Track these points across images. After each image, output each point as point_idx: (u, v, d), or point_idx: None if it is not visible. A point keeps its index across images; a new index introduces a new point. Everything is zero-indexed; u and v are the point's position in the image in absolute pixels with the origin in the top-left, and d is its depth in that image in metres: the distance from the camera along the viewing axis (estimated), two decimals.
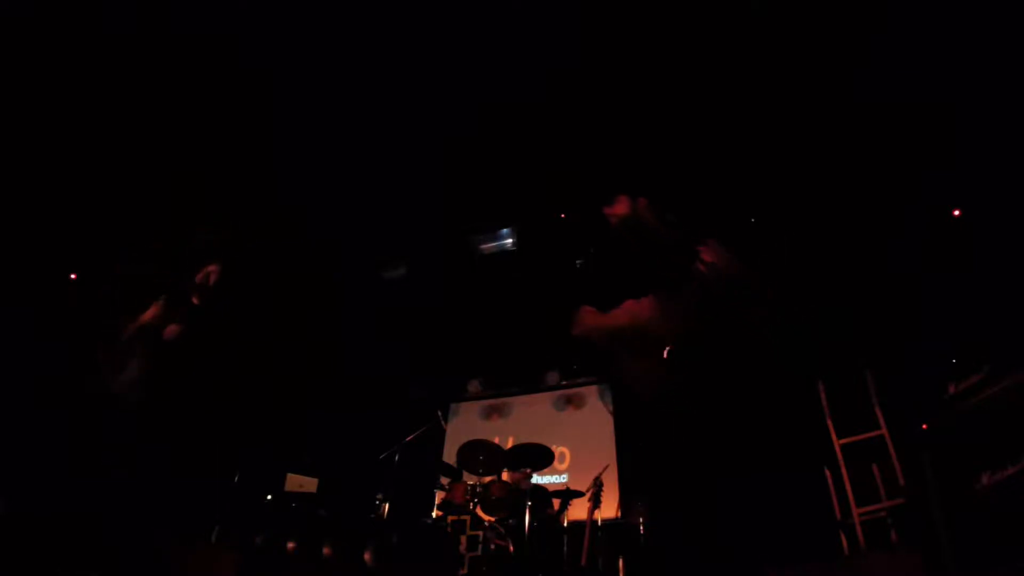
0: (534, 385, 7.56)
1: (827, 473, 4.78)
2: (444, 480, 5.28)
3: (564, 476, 6.66)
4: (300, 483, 5.26)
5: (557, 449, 6.62)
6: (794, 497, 4.73)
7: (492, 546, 4.30)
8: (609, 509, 5.71)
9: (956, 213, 4.85)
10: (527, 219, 6.19)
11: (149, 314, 3.43)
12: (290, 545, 4.06)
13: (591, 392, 7.22)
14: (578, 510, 4.70)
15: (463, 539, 4.63)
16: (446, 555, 4.40)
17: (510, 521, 4.39)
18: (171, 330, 3.39)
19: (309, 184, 5.58)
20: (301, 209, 5.80)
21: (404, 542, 4.25)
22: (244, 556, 3.22)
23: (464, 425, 7.41)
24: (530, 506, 4.29)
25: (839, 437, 4.78)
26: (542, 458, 4.84)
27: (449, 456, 6.38)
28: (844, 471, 4.66)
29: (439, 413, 6.14)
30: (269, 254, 5.90)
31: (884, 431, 4.68)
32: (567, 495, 4.72)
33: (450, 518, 4.79)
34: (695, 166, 5.13)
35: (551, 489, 4.80)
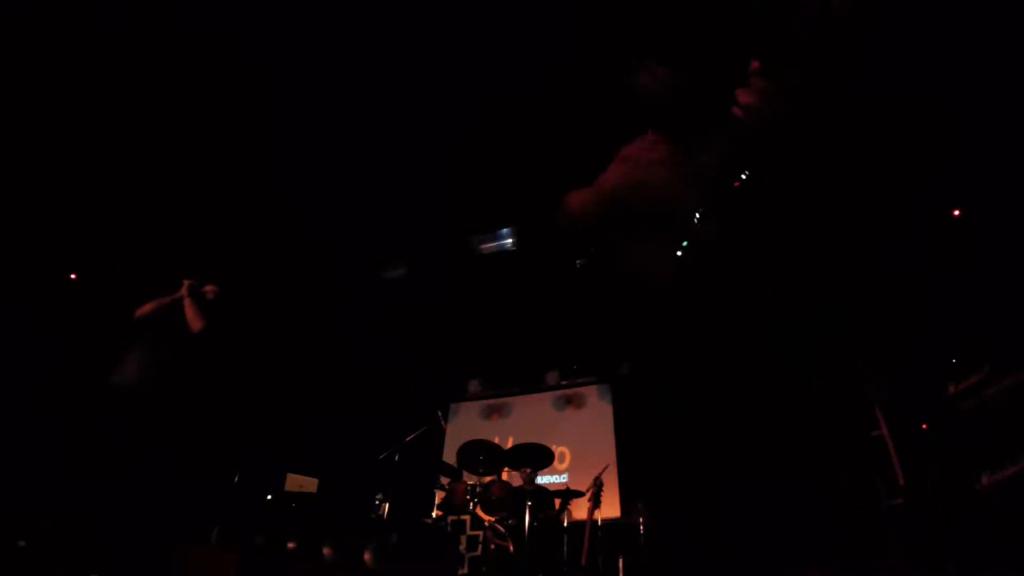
0: (534, 385, 7.56)
1: (827, 473, 4.78)
2: (444, 480, 5.28)
3: (564, 476, 6.66)
4: (300, 483, 5.26)
5: (557, 449, 6.62)
6: (794, 497, 4.73)
7: (492, 546, 4.30)
8: (609, 509, 5.71)
9: (956, 213, 4.85)
10: (527, 219, 6.19)
11: (148, 309, 3.42)
12: (290, 545, 4.06)
13: (591, 392, 7.22)
14: (578, 510, 4.70)
15: (463, 539, 4.63)
16: (446, 555, 4.41)
17: (510, 521, 4.38)
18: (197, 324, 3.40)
19: (309, 184, 5.58)
20: (301, 209, 5.80)
21: (404, 542, 4.25)
22: (244, 556, 3.22)
23: (464, 425, 7.41)
24: (530, 506, 4.29)
25: (839, 437, 4.78)
26: (542, 458, 4.84)
27: (449, 456, 6.38)
28: (844, 471, 4.67)
29: (439, 413, 6.14)
30: (269, 254, 5.90)
31: (884, 431, 4.68)
32: (567, 495, 4.72)
33: (450, 518, 4.78)
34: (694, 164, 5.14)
35: (551, 489, 4.80)
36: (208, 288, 3.64)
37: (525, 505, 4.29)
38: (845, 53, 4.16)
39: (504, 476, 5.11)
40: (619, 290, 5.83)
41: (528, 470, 4.71)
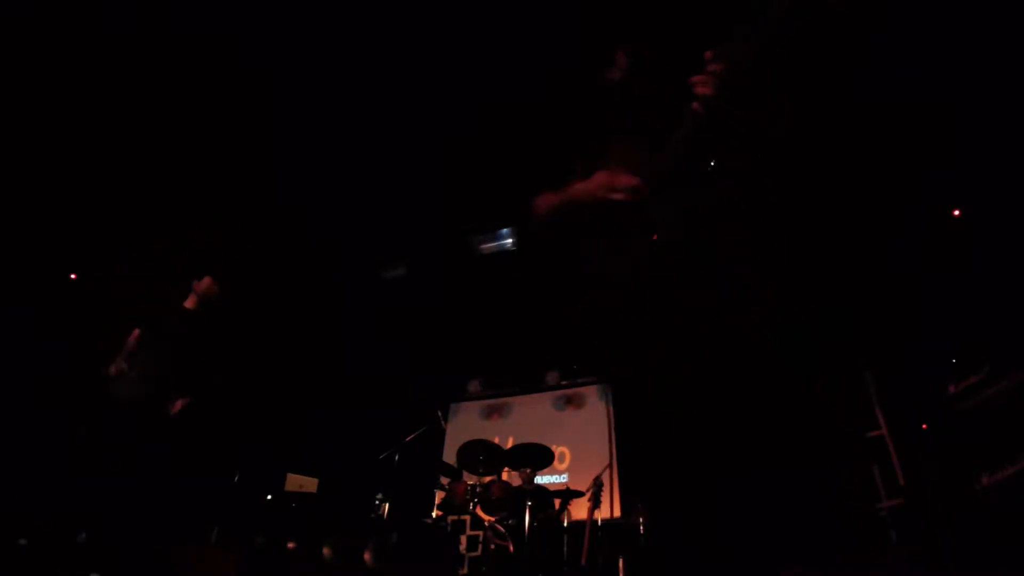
0: (534, 385, 7.56)
1: (827, 473, 4.78)
2: (444, 480, 5.28)
3: (564, 476, 6.66)
4: (300, 483, 5.27)
5: (557, 449, 6.62)
6: (794, 497, 4.73)
7: (492, 546, 4.30)
8: (609, 509, 5.71)
9: (956, 213, 4.85)
10: (527, 219, 6.18)
11: (114, 370, 3.43)
12: (290, 545, 4.06)
13: (591, 392, 7.22)
14: (578, 510, 4.70)
15: (463, 539, 4.63)
16: (446, 555, 4.41)
17: (510, 521, 4.38)
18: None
19: (309, 184, 5.58)
20: (301, 209, 5.80)
21: (404, 542, 4.25)
22: (244, 556, 3.22)
23: (464, 425, 7.41)
24: (530, 506, 4.29)
25: (839, 437, 4.78)
26: (542, 458, 4.84)
27: (449, 456, 6.38)
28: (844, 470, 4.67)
29: (439, 413, 6.14)
30: (269, 254, 5.90)
31: (884, 431, 4.68)
32: (567, 495, 4.72)
33: (450, 518, 4.78)
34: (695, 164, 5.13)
35: (551, 489, 4.80)
36: (205, 284, 3.64)
37: (525, 505, 4.29)
38: (844, 53, 4.16)
39: (504, 476, 5.11)
40: (619, 290, 5.81)
41: (528, 470, 4.71)
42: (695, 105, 1.82)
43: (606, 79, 2.29)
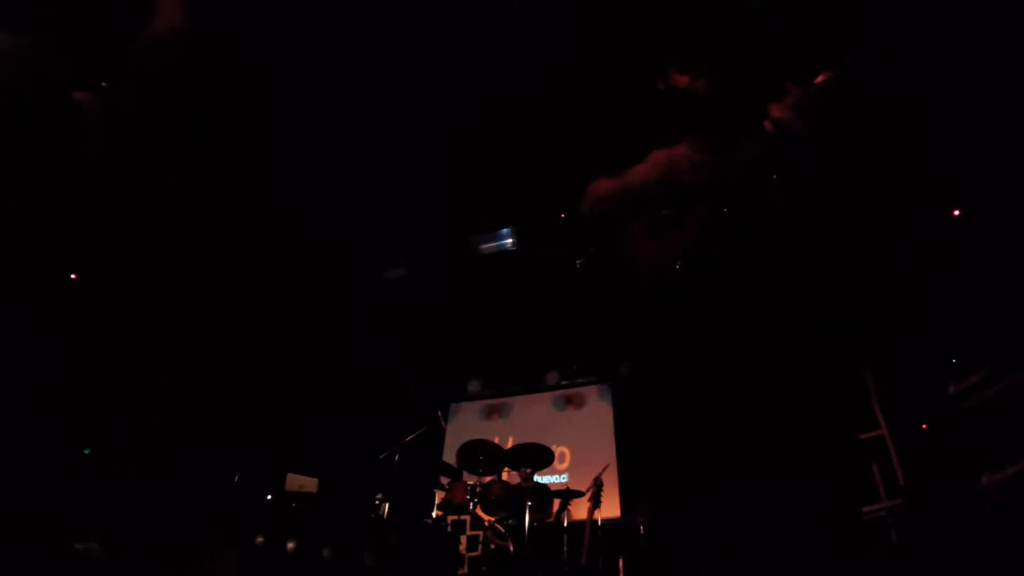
0: (534, 385, 7.56)
1: (826, 474, 4.78)
2: (444, 480, 5.28)
3: (564, 476, 6.66)
4: (300, 483, 5.26)
5: (557, 449, 6.62)
6: (794, 497, 4.73)
7: (492, 546, 4.30)
8: (609, 509, 5.71)
9: (956, 213, 4.84)
10: (527, 219, 6.19)
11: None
12: (290, 545, 4.06)
13: (591, 392, 7.22)
14: (578, 510, 4.70)
15: (463, 539, 4.63)
16: (446, 555, 4.41)
17: (510, 521, 4.38)
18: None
19: (309, 184, 5.58)
20: (301, 209, 5.80)
21: (404, 542, 4.25)
22: (244, 556, 3.22)
23: (464, 425, 7.41)
24: (530, 506, 4.29)
25: (839, 437, 4.78)
26: (542, 458, 4.84)
27: (449, 456, 6.38)
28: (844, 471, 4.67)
29: (439, 413, 6.14)
30: (269, 254, 5.89)
31: (884, 431, 4.68)
32: (567, 495, 4.72)
33: (450, 518, 4.78)
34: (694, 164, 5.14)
35: (551, 489, 4.80)
36: None
37: (525, 505, 4.30)
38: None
39: (504, 476, 5.11)
40: (619, 290, 5.83)
41: (528, 470, 4.72)
42: (767, 125, 1.92)
43: (669, 81, 2.34)
